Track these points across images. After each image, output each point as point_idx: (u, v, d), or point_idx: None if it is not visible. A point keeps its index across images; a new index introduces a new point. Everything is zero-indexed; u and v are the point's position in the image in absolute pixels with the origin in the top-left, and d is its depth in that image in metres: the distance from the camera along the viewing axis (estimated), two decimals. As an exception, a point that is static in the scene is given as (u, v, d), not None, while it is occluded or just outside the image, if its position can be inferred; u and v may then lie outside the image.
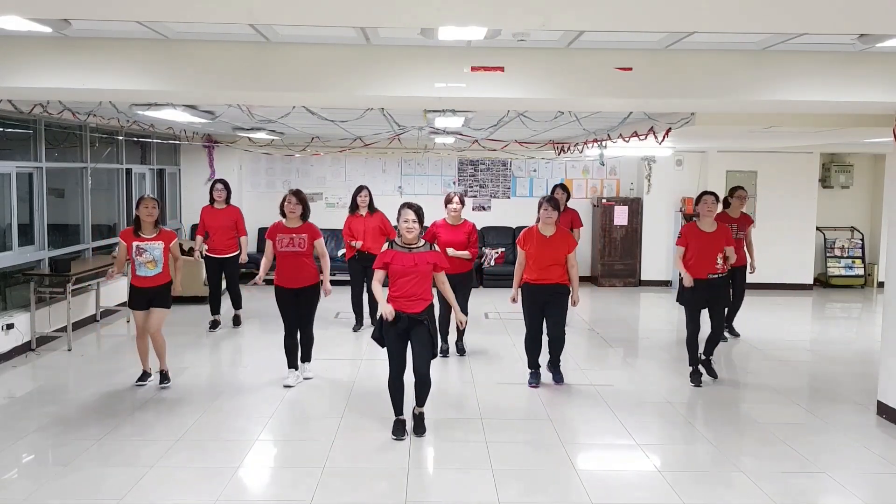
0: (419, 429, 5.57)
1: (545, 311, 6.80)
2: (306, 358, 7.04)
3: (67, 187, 9.57)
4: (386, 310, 5.32)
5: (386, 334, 5.46)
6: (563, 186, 9.26)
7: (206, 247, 9.16)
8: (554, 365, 7.01)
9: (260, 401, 6.44)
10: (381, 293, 5.52)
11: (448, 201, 7.77)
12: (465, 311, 7.92)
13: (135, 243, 6.50)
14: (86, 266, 8.78)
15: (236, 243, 9.25)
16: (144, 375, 6.80)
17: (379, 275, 5.52)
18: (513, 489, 4.67)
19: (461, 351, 8.02)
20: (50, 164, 8.68)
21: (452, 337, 8.04)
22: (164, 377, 6.80)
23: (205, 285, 10.39)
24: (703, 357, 7.11)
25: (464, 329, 8.01)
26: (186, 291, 10.32)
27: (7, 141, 8.18)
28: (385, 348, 5.53)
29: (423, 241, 5.51)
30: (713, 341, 7.09)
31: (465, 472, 4.96)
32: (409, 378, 5.52)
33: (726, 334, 8.76)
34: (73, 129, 9.29)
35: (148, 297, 6.60)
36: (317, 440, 5.46)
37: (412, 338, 5.45)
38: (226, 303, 9.76)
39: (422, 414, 5.63)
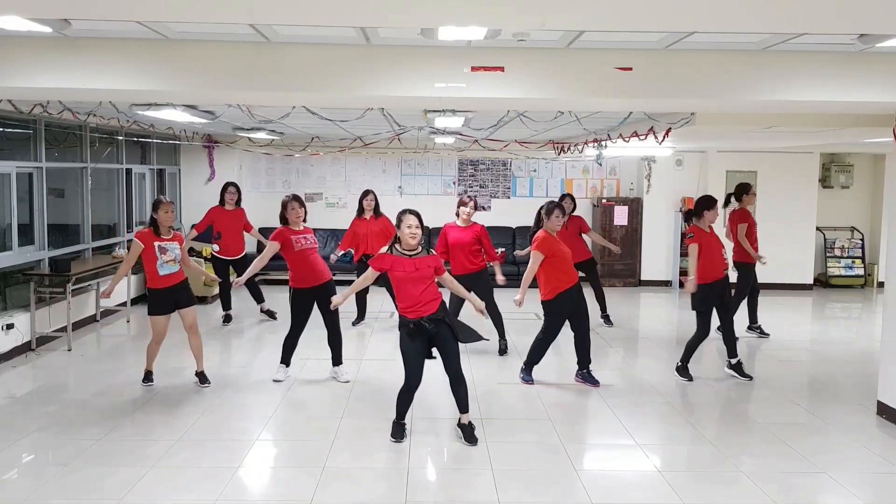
0: (472, 438, 5.43)
1: (575, 312, 6.81)
2: (341, 360, 7.03)
3: (67, 187, 9.57)
4: (337, 299, 5.85)
5: (408, 348, 5.36)
6: (570, 196, 9.46)
7: (216, 247, 9.32)
8: (586, 366, 7.00)
9: (260, 401, 6.44)
10: (355, 289, 5.80)
11: (462, 204, 7.80)
12: (492, 307, 7.83)
13: (156, 243, 6.52)
14: (86, 266, 8.78)
15: (244, 244, 9.52)
16: (150, 375, 6.79)
17: (369, 274, 5.55)
18: (513, 489, 4.68)
19: (503, 351, 8.04)
20: (50, 164, 8.68)
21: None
22: (204, 378, 6.80)
23: (206, 285, 10.42)
24: (731, 361, 7.21)
25: (501, 324, 8.01)
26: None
27: (7, 141, 8.18)
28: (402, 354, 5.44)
29: (420, 247, 5.45)
30: (730, 340, 7.17)
31: (465, 472, 4.96)
32: (425, 384, 5.50)
33: (754, 334, 8.98)
34: (73, 129, 9.29)
35: (175, 297, 6.61)
36: (317, 440, 5.46)
37: (438, 342, 5.39)
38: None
39: (471, 424, 5.51)
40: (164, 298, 6.57)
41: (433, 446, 5.41)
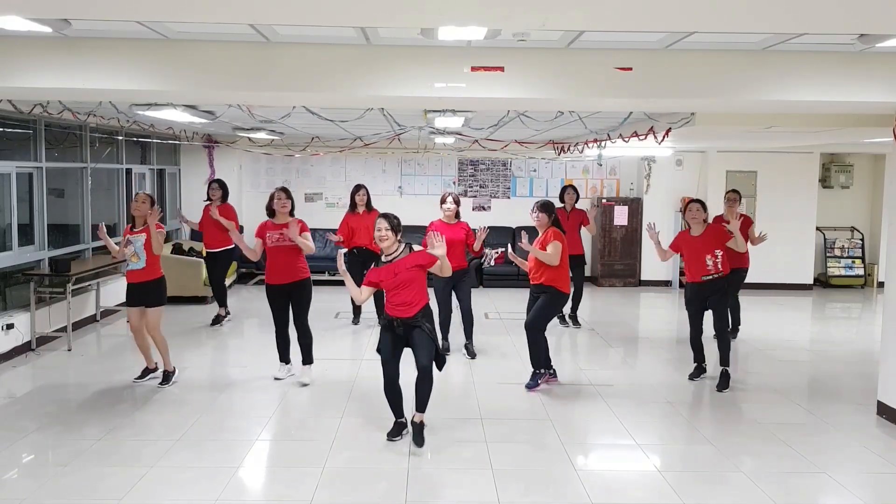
0: (418, 438, 5.32)
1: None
2: (307, 360, 6.96)
3: (67, 187, 9.57)
4: (347, 280, 5.50)
5: (381, 341, 5.39)
6: (572, 188, 9.36)
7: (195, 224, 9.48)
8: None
9: (260, 400, 6.44)
10: (352, 285, 5.54)
11: (442, 201, 7.80)
12: (469, 310, 7.86)
13: (126, 236, 6.60)
14: (86, 266, 8.78)
15: (227, 239, 9.38)
16: (146, 372, 6.81)
17: (366, 292, 5.44)
18: (513, 489, 4.67)
19: (472, 354, 7.88)
20: (50, 164, 8.68)
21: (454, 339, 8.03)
22: (166, 377, 6.79)
23: (205, 285, 10.43)
24: (721, 368, 7.05)
25: (470, 330, 7.93)
26: (186, 291, 10.46)
27: (7, 141, 8.18)
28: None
29: (402, 247, 5.37)
30: (722, 349, 6.97)
31: (465, 472, 4.96)
32: (407, 381, 5.51)
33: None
34: (73, 129, 9.29)
35: (138, 294, 6.64)
36: (317, 440, 5.46)
37: (411, 340, 5.36)
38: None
39: (422, 423, 5.38)
40: (129, 292, 6.69)
41: (433, 446, 5.40)
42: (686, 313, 7.13)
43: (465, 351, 7.94)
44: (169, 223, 12.18)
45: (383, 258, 5.37)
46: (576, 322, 9.56)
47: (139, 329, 6.72)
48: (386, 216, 5.36)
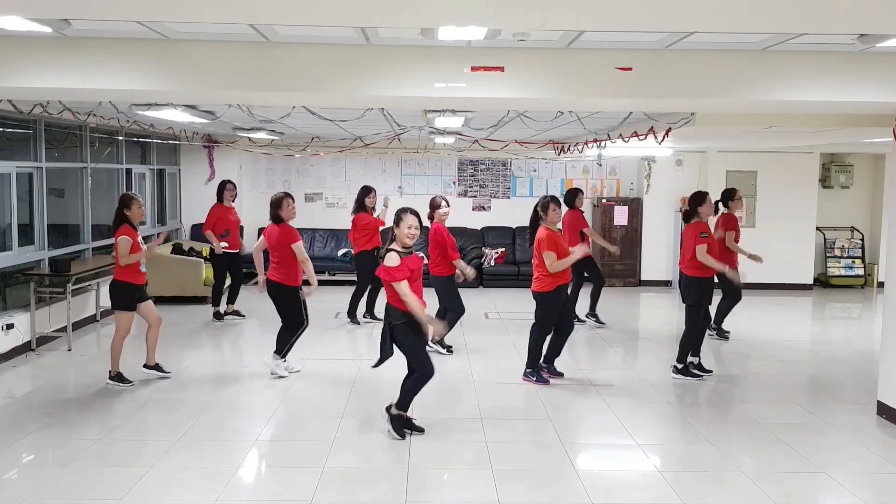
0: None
1: (565, 307, 6.95)
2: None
3: (67, 187, 9.57)
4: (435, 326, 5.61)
5: (417, 341, 5.39)
6: (581, 190, 9.42)
7: (225, 243, 9.45)
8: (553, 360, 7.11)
9: (260, 400, 6.44)
10: (415, 303, 5.24)
11: (436, 206, 7.63)
12: (458, 310, 7.86)
13: (138, 238, 6.72)
14: (86, 266, 8.78)
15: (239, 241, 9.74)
16: (122, 376, 6.76)
17: (406, 284, 5.23)
18: (513, 489, 4.67)
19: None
20: (50, 164, 8.68)
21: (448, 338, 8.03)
22: (162, 369, 6.95)
23: (205, 285, 10.43)
24: (698, 360, 7.29)
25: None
26: (186, 291, 10.47)
27: (7, 141, 8.18)
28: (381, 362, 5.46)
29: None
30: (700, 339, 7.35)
31: (465, 472, 4.96)
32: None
33: (715, 335, 8.85)
34: (73, 129, 9.29)
35: (139, 293, 6.82)
36: (317, 440, 5.46)
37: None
38: (241, 303, 9.77)
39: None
40: (133, 293, 6.75)
41: (433, 446, 5.41)
42: (681, 310, 7.22)
43: (442, 346, 7.95)
44: (169, 223, 12.22)
45: (402, 249, 5.34)
46: (581, 320, 9.63)
47: (129, 331, 6.82)
48: (416, 213, 5.44)
